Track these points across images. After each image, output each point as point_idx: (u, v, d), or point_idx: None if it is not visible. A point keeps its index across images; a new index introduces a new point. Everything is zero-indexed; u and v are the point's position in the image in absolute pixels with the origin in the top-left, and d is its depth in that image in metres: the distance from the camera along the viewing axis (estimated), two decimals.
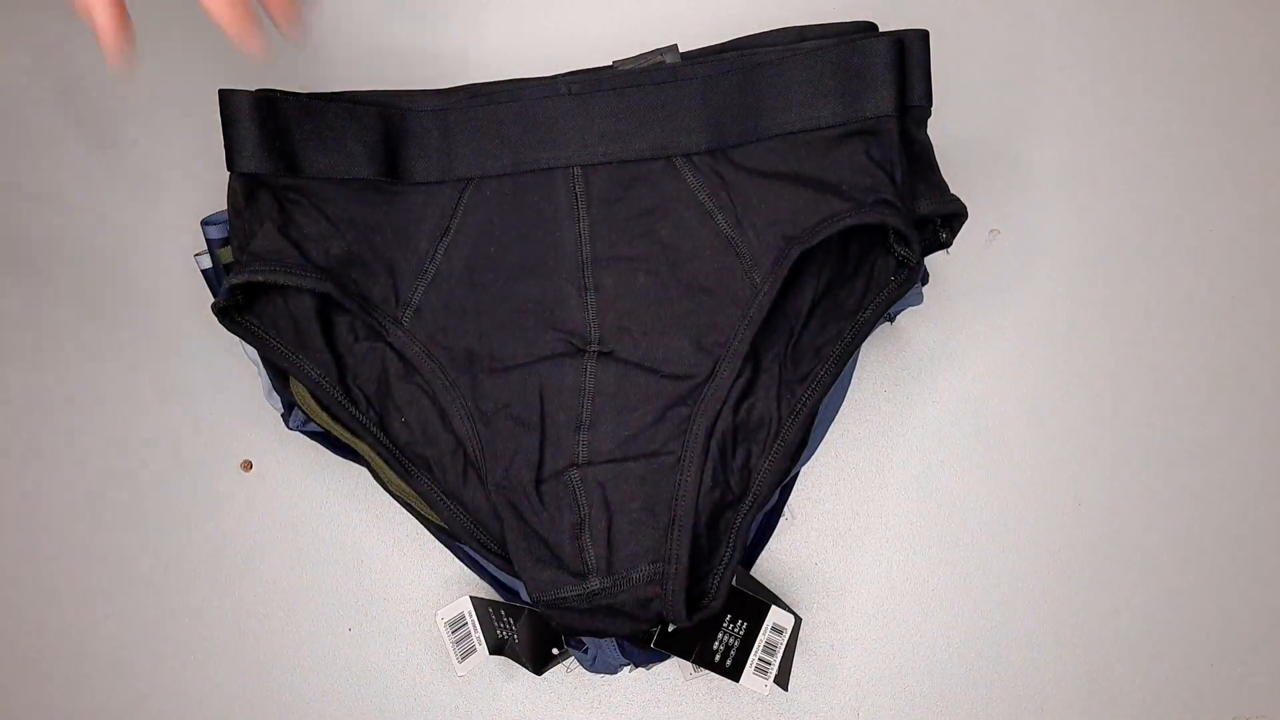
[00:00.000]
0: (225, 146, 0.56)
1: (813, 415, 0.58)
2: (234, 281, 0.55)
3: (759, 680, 0.59)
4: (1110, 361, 0.66)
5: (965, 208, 0.57)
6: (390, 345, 0.57)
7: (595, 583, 0.56)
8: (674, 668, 0.64)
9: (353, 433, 0.59)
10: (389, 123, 0.58)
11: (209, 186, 0.66)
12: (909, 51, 0.57)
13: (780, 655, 0.59)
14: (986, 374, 0.66)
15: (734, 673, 0.58)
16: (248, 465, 0.66)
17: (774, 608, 0.59)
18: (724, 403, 0.57)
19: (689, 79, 0.58)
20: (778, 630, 0.60)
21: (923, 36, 0.57)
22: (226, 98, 0.56)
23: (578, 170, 0.58)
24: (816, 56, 0.56)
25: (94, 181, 0.68)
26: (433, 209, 0.58)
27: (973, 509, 0.65)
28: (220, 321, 0.57)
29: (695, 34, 0.63)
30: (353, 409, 0.57)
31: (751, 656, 0.59)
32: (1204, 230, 0.67)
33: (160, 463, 0.66)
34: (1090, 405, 0.66)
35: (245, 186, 0.57)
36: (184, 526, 0.65)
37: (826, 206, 0.56)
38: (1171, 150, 0.68)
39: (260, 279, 0.55)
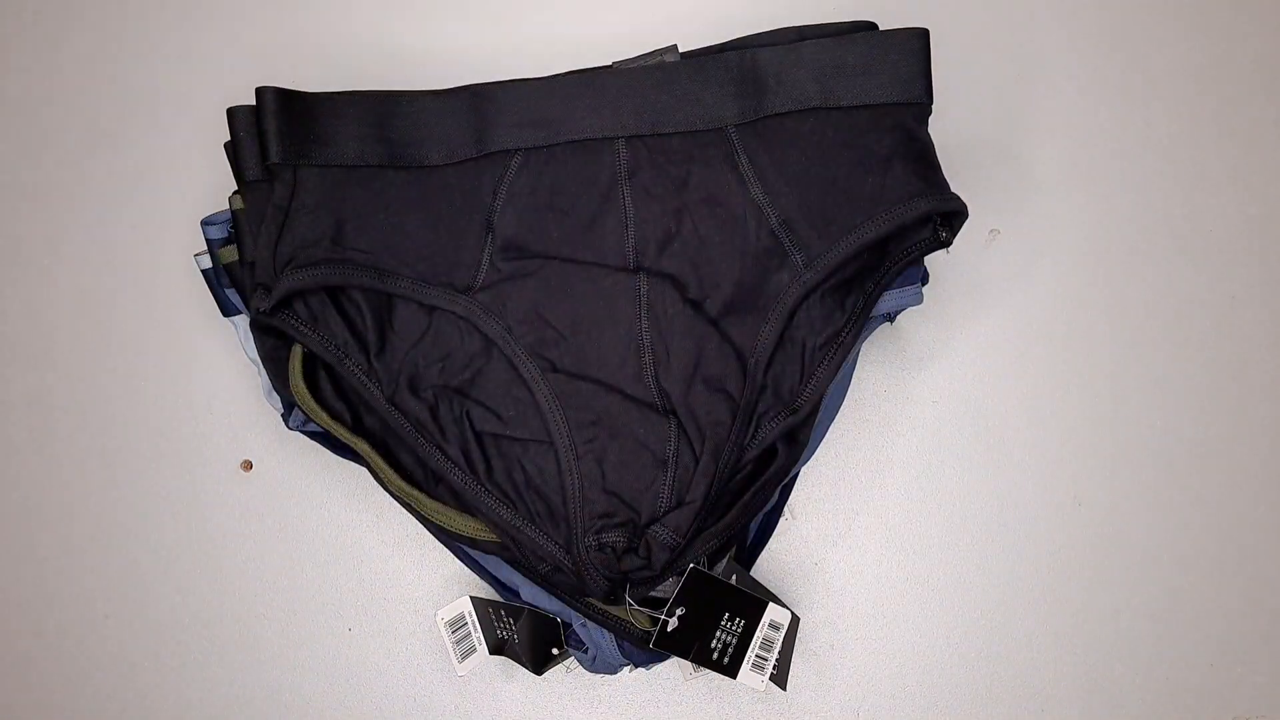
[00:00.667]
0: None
1: (811, 415, 0.58)
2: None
3: (755, 676, 0.59)
4: (1110, 361, 0.66)
5: (965, 206, 0.57)
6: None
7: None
8: (674, 668, 0.64)
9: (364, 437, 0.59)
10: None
11: (209, 186, 0.66)
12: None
13: (777, 652, 0.59)
14: (986, 374, 0.66)
15: (731, 669, 0.58)
16: (248, 465, 0.66)
17: (771, 604, 0.59)
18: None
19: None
20: (775, 627, 0.59)
21: (923, 34, 0.57)
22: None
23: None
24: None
25: (94, 181, 0.68)
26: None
27: (973, 509, 0.65)
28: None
29: (695, 34, 0.63)
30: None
31: (748, 653, 0.59)
32: (1204, 230, 0.67)
33: (160, 463, 0.66)
34: (1090, 405, 0.66)
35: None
36: (184, 526, 0.65)
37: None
38: (1171, 150, 0.68)
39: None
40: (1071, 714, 0.64)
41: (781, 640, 0.59)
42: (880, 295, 0.59)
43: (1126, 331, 0.66)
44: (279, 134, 0.57)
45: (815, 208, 0.57)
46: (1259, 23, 0.68)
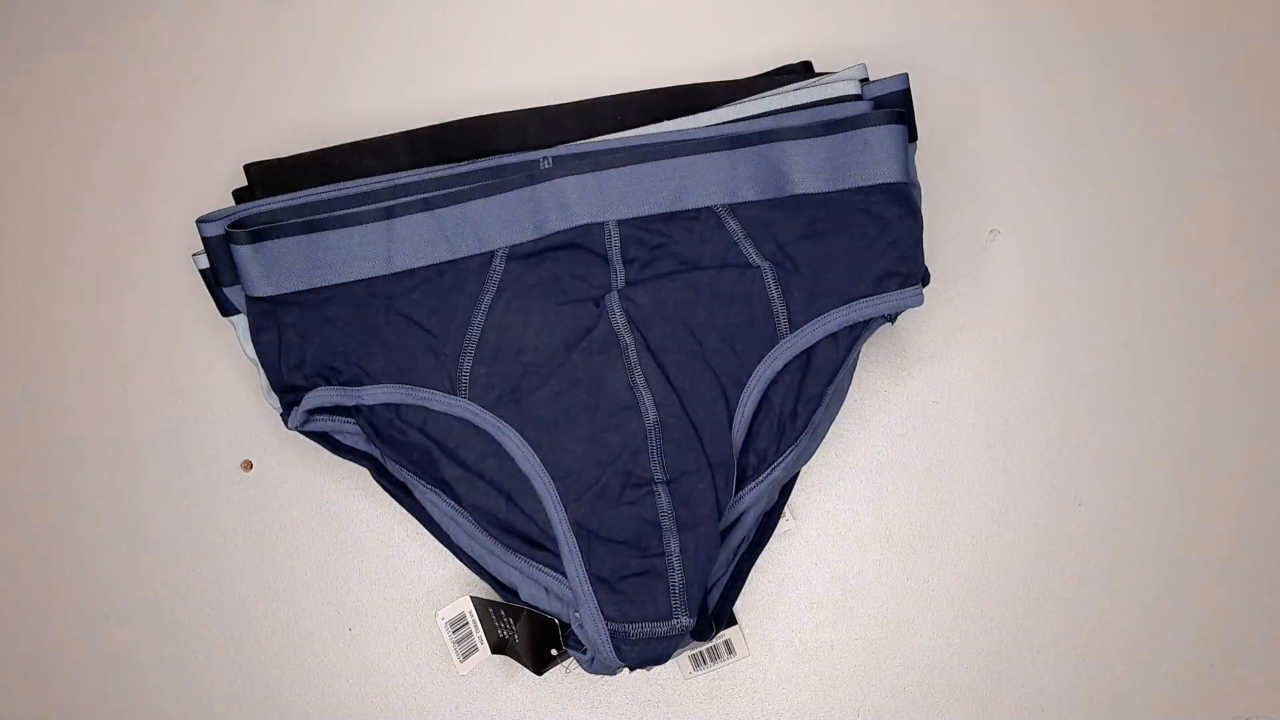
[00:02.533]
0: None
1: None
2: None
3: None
4: (1110, 361, 0.66)
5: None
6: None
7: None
8: (674, 668, 0.64)
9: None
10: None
11: (208, 186, 0.66)
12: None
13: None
14: (986, 374, 0.66)
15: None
16: (248, 465, 0.66)
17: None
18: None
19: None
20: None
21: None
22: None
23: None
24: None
25: (93, 181, 0.68)
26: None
27: (973, 509, 0.65)
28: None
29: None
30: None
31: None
32: (1204, 230, 0.67)
33: (160, 463, 0.66)
34: (1090, 405, 0.66)
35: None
36: (184, 526, 0.65)
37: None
38: (1171, 150, 0.68)
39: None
40: (1071, 714, 0.64)
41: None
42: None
43: (1126, 331, 0.66)
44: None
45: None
46: (1259, 23, 0.68)
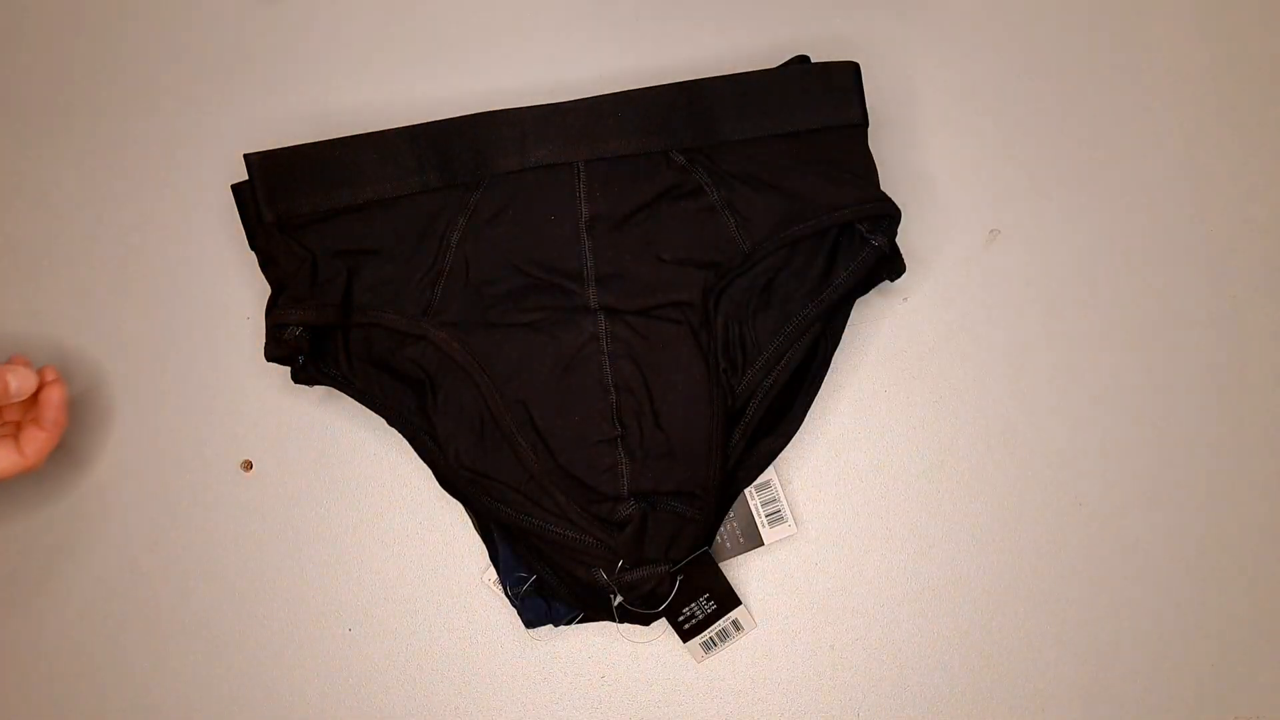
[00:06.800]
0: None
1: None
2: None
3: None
4: (1110, 362, 0.66)
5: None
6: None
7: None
8: (677, 665, 0.64)
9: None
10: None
11: (209, 186, 0.66)
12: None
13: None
14: (987, 374, 0.66)
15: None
16: (248, 465, 0.66)
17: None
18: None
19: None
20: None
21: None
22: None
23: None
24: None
25: (93, 178, 0.68)
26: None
27: (973, 509, 0.65)
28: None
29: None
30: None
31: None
32: (1205, 230, 0.67)
33: (160, 463, 0.66)
34: (1090, 406, 0.66)
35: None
36: (184, 526, 0.65)
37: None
38: (1172, 150, 0.68)
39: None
40: (1071, 714, 0.64)
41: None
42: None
43: (1127, 332, 0.66)
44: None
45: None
46: (1261, 23, 0.69)
